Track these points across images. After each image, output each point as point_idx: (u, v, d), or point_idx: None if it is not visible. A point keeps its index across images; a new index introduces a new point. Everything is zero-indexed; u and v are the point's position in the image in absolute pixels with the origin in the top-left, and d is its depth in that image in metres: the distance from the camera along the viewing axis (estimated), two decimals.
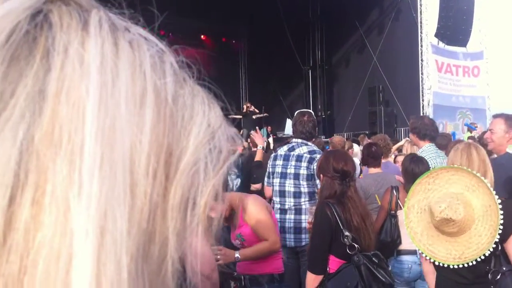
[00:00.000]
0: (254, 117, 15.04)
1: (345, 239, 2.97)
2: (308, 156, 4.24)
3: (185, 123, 0.38)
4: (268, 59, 18.68)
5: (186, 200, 0.38)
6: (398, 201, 3.95)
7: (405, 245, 3.89)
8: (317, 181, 4.08)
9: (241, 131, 13.85)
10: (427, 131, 4.48)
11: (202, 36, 19.20)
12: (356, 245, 2.96)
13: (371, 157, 4.82)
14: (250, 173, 5.67)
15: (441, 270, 2.80)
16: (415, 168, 3.87)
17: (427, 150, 4.42)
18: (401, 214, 3.85)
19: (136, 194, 0.34)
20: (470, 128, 11.73)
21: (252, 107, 15.53)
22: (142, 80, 0.36)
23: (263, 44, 18.82)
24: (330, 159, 3.19)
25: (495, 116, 4.11)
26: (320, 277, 3.06)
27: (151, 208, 0.35)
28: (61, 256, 0.31)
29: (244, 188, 5.59)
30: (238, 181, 5.59)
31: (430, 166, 4.13)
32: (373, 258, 2.96)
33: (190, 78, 0.41)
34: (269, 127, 16.40)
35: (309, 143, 4.39)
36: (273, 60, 18.66)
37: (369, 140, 7.71)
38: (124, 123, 0.34)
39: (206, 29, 18.58)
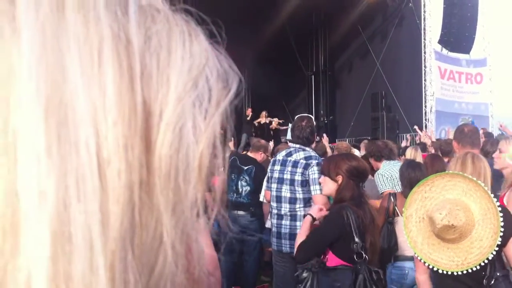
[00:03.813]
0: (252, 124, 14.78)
1: (355, 246, 2.87)
2: (304, 162, 4.20)
3: (161, 68, 0.30)
4: (271, 64, 18.70)
5: (176, 166, 0.30)
6: (396, 207, 3.94)
7: (402, 251, 3.88)
8: (312, 187, 4.08)
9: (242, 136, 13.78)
10: (381, 152, 5.08)
11: None
12: (364, 254, 2.86)
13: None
14: (261, 182, 5.51)
15: (442, 278, 2.76)
16: (411, 173, 3.91)
17: (386, 165, 4.91)
18: (398, 220, 3.86)
19: (106, 175, 0.27)
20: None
21: (249, 111, 15.29)
22: (96, 25, 0.28)
23: (266, 50, 18.85)
24: (345, 160, 3.06)
25: None
26: None
27: (130, 187, 0.28)
28: (17, 281, 0.26)
29: (253, 196, 5.55)
30: (247, 189, 5.53)
31: (393, 177, 4.67)
32: (373, 275, 2.87)
33: (165, 5, 0.33)
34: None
35: (307, 149, 4.32)
36: (276, 65, 18.68)
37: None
38: (79, 86, 0.27)
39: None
